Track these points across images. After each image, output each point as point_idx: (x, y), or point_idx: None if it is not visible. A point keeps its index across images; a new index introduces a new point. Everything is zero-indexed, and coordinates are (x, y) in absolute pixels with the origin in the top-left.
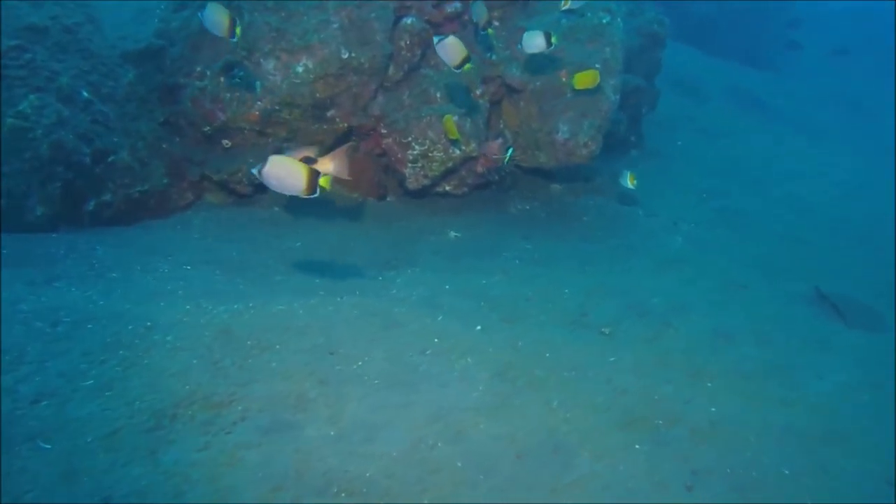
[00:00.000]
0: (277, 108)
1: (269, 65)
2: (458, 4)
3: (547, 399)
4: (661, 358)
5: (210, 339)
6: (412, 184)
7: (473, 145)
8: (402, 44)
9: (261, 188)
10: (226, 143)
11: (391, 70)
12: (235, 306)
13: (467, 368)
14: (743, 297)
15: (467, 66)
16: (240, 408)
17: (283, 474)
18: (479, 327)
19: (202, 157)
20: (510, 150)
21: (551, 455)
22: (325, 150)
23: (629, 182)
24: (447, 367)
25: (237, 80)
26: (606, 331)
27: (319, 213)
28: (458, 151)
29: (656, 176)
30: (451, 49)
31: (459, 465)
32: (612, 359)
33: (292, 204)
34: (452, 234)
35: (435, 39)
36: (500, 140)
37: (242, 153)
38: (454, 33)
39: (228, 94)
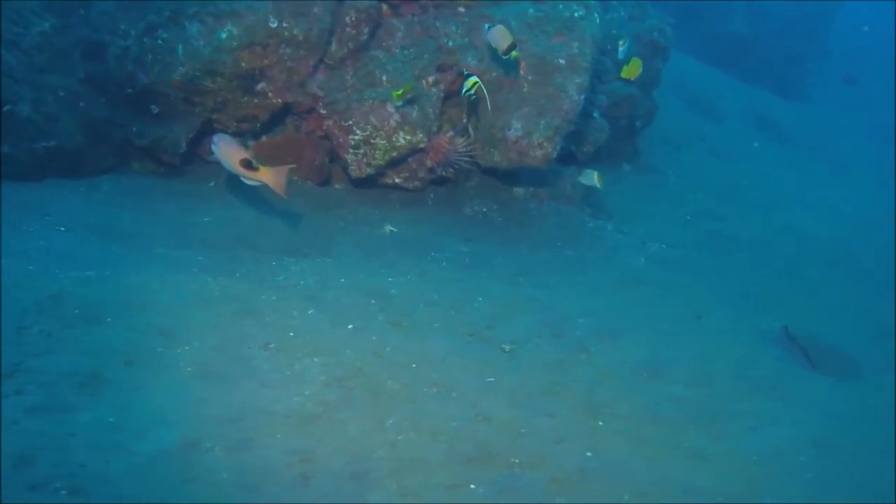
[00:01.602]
0: (199, 75)
1: (193, 28)
2: None
3: (382, 416)
4: (555, 387)
5: (32, 304)
6: (355, 171)
7: (420, 135)
8: (348, 20)
9: (190, 159)
10: (154, 108)
11: (333, 47)
12: (88, 273)
13: (306, 370)
14: (696, 329)
15: (514, 52)
16: (20, 380)
17: (27, 459)
18: (350, 326)
19: (126, 120)
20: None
21: (346, 481)
22: (262, 127)
23: (595, 181)
24: (284, 365)
25: (159, 42)
26: (507, 348)
27: (247, 192)
28: (402, 140)
29: (644, 192)
30: (498, 35)
31: (225, 476)
32: (490, 379)
33: (227, 182)
34: (389, 228)
35: (486, 27)
36: (450, 133)
37: (171, 121)
38: (412, 14)
39: (150, 56)
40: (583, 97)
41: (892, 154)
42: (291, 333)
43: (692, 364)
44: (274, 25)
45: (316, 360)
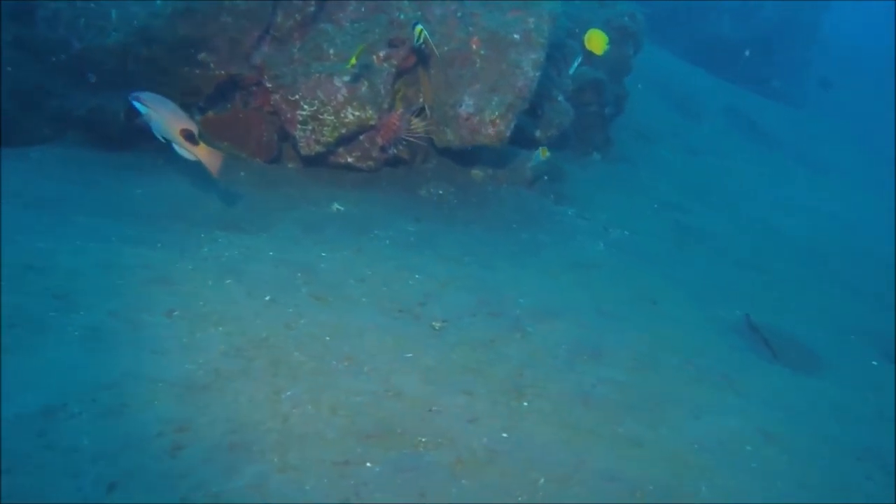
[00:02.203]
0: (134, 41)
1: None
2: None
3: (280, 388)
4: (480, 365)
5: None
6: (304, 149)
7: (370, 111)
8: None
9: (132, 132)
10: (91, 77)
11: (279, 18)
12: None
13: (207, 338)
14: (646, 313)
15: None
16: None
17: None
18: (268, 298)
19: (62, 89)
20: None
21: (220, 453)
22: (204, 100)
23: (539, 155)
24: (184, 333)
25: (92, 5)
26: (437, 325)
27: (190, 167)
28: (350, 116)
29: (612, 181)
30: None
31: (85, 443)
32: (409, 355)
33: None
34: (336, 207)
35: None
36: (401, 111)
37: (110, 90)
38: None
39: (83, 21)
40: (538, 74)
41: (874, 159)
42: (201, 302)
43: (637, 348)
44: None
45: (220, 329)
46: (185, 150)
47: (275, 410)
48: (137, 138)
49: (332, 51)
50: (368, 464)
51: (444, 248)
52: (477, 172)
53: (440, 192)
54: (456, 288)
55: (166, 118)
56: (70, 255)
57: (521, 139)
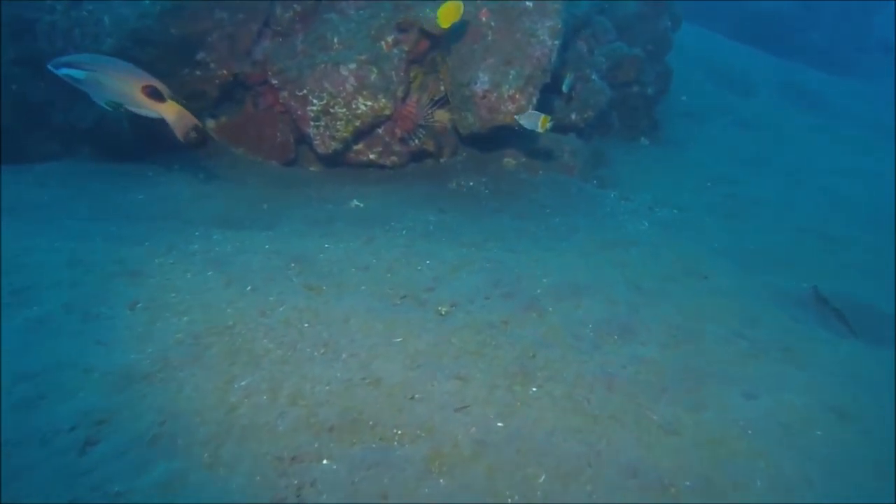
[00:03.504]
0: (129, 45)
1: None
2: None
3: (234, 377)
4: (483, 348)
5: None
6: (320, 147)
7: (384, 100)
8: None
9: (144, 143)
10: None
11: (278, 10)
12: None
13: (164, 328)
14: (691, 288)
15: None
16: None
17: None
18: (249, 288)
19: (67, 103)
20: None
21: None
22: (212, 104)
23: (538, 124)
24: (142, 323)
25: (85, 13)
26: (443, 310)
27: (201, 174)
28: (363, 107)
29: (660, 163)
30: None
31: None
32: (398, 340)
33: (182, 166)
34: (354, 203)
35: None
36: (416, 98)
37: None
38: None
39: (78, 30)
40: (557, 42)
41: None
42: (172, 294)
43: (676, 321)
44: None
45: (184, 318)
46: (149, 110)
47: (221, 400)
48: (147, 149)
49: (336, 39)
50: (325, 460)
51: (465, 236)
52: (509, 161)
53: (470, 183)
54: (470, 272)
55: (120, 77)
56: (43, 253)
57: (559, 125)
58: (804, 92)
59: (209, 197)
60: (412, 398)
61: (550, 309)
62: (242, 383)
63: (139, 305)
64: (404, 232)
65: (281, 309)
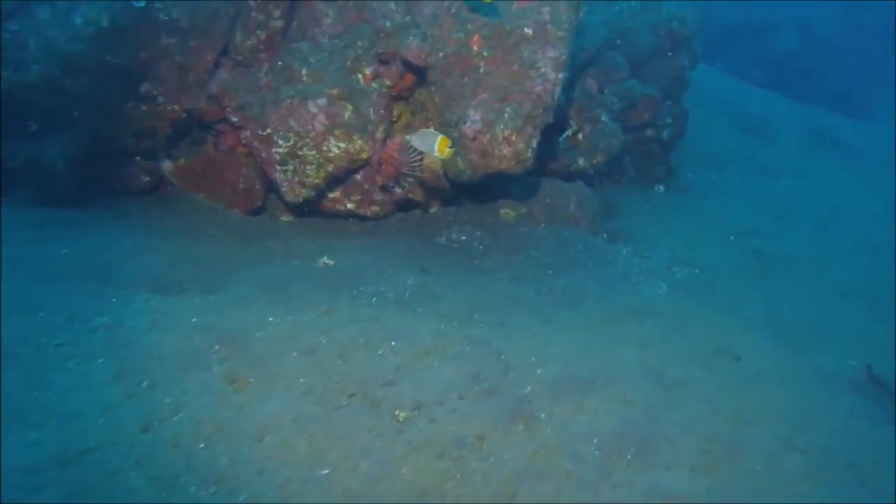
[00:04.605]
0: (58, 73)
1: (44, 13)
2: None
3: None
4: (446, 484)
5: None
6: (289, 195)
7: (360, 142)
8: (252, 2)
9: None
10: (32, 124)
11: (238, 37)
12: None
13: None
14: (723, 374)
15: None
16: None
17: None
18: (145, 383)
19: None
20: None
21: None
22: (165, 143)
23: (434, 144)
24: None
25: (8, 35)
26: (402, 415)
27: (144, 222)
28: (335, 149)
29: (676, 212)
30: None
31: None
32: (325, 472)
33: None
34: (324, 260)
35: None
36: (399, 140)
37: (50, 136)
38: None
39: (2, 55)
40: (562, 76)
41: None
42: (35, 394)
43: (709, 430)
44: (141, 5)
45: (32, 435)
46: None
47: None
48: (88, 192)
49: (304, 71)
50: None
51: (448, 304)
52: (508, 212)
53: (462, 237)
54: (444, 358)
55: None
56: None
57: (566, 171)
58: (826, 136)
59: (150, 251)
60: None
61: (543, 415)
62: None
63: None
64: (374, 299)
65: (176, 418)
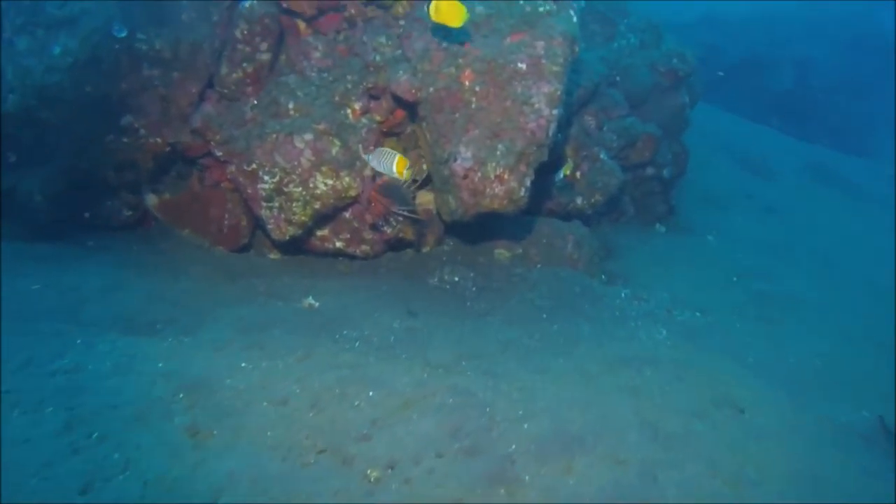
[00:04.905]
0: (34, 103)
1: (23, 43)
2: None
3: None
4: None
5: None
6: (275, 232)
7: (347, 179)
8: (238, 34)
9: (64, 221)
10: (11, 155)
11: (224, 69)
12: None
13: None
14: (729, 430)
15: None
16: None
17: None
18: (95, 435)
19: None
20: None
21: None
22: (148, 176)
23: (392, 164)
24: None
25: None
26: (374, 475)
27: (123, 259)
28: (322, 186)
29: (677, 253)
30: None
31: None
32: None
33: (104, 247)
34: (309, 301)
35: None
36: (388, 176)
37: (29, 168)
38: (336, 31)
39: None
40: (556, 112)
41: None
42: None
43: (709, 493)
44: (122, 35)
45: None
46: None
47: None
48: (67, 226)
49: (291, 105)
50: None
51: (435, 350)
52: (502, 252)
53: (455, 278)
54: (424, 410)
55: None
56: None
57: (563, 211)
58: (827, 173)
59: (125, 289)
60: None
61: (528, 477)
62: None
63: None
64: (357, 344)
65: (122, 477)
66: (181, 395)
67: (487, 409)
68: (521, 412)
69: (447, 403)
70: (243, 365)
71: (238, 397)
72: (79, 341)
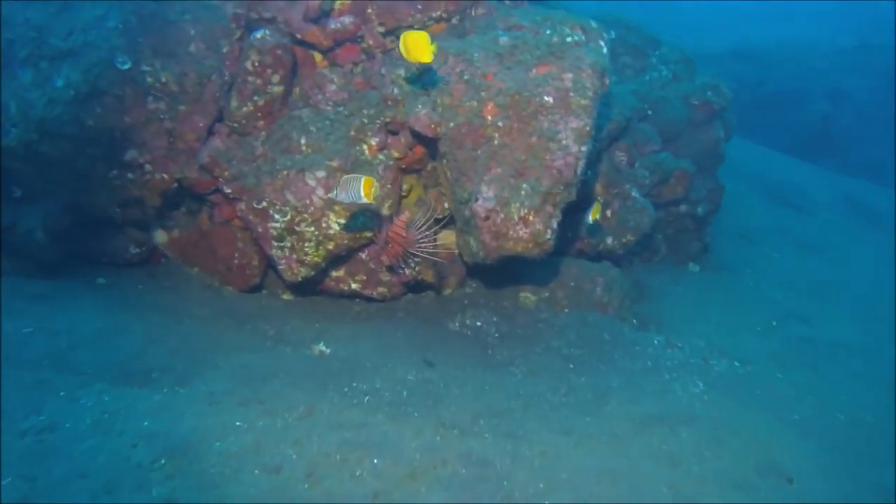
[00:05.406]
0: (35, 137)
1: (27, 76)
2: (347, 20)
3: None
4: None
5: None
6: (287, 273)
7: (362, 219)
8: (249, 65)
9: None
10: (16, 190)
11: (234, 103)
12: None
13: None
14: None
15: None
16: None
17: None
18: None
19: None
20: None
21: None
22: (156, 213)
23: (360, 191)
24: None
25: None
26: None
27: (126, 298)
28: (335, 226)
29: (712, 294)
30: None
31: None
32: None
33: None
34: (320, 347)
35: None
36: (406, 216)
37: (31, 205)
38: (354, 63)
39: None
40: (585, 149)
41: None
42: None
43: None
44: (126, 67)
45: None
46: None
47: None
48: (70, 263)
49: (303, 140)
50: None
51: (451, 407)
52: (527, 296)
53: (477, 323)
54: (432, 482)
55: None
56: None
57: (594, 251)
58: (866, 208)
59: (123, 333)
60: None
61: None
62: None
63: None
64: (367, 398)
65: None
66: (163, 461)
67: (504, 483)
68: (542, 485)
69: (459, 474)
70: (237, 423)
71: (227, 463)
72: (62, 393)
